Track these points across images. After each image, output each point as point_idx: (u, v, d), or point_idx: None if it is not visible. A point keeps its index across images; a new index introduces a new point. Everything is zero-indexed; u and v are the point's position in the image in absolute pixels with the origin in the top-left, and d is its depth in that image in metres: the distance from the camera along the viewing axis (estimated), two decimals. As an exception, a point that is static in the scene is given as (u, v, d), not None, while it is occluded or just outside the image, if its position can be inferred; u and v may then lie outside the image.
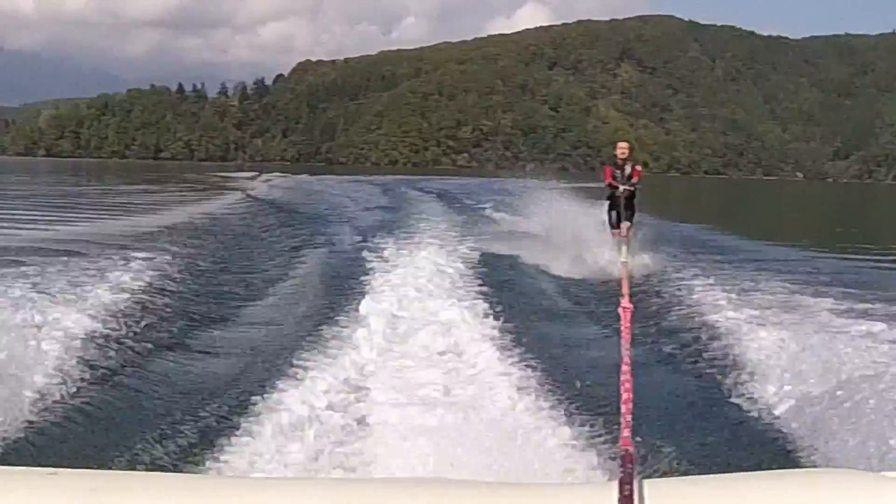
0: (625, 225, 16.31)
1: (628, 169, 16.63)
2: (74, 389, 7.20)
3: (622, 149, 17.02)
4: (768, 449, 6.44)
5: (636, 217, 16.91)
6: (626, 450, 2.09)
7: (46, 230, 22.18)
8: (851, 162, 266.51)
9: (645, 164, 16.67)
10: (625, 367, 3.38)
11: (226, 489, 2.10)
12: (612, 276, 14.53)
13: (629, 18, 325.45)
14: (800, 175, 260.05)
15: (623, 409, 2.82)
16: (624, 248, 14.23)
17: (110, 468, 5.46)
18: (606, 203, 16.91)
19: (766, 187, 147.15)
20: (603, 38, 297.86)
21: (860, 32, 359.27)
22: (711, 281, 13.25)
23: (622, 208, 16.45)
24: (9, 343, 7.59)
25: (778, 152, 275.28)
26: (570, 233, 17.82)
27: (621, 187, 16.50)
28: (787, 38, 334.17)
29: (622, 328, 4.40)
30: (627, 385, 3.10)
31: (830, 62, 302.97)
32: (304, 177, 68.94)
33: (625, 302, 5.02)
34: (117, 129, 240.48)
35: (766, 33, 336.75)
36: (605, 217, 16.91)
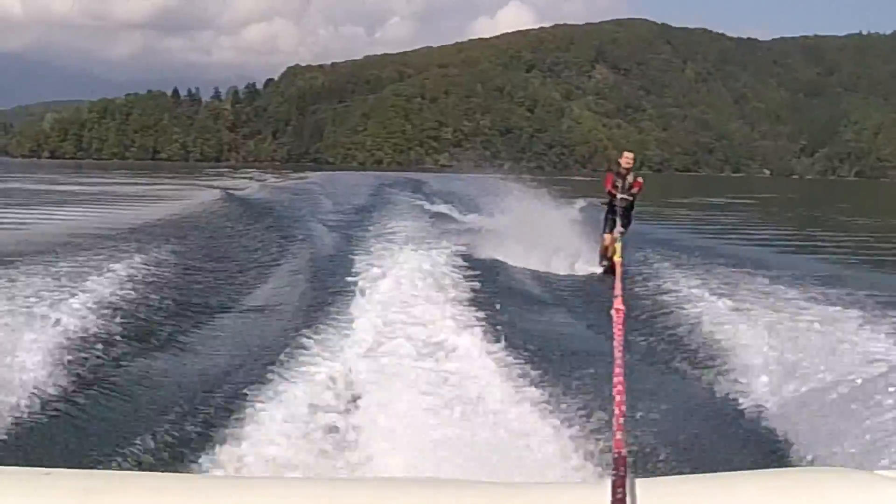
0: (618, 230, 16.25)
1: (630, 179, 16.68)
2: (69, 389, 7.17)
3: (627, 159, 16.95)
4: (763, 448, 6.50)
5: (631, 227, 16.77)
6: (619, 452, 2.04)
7: (36, 226, 22.94)
8: (816, 159, 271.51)
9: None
10: (617, 370, 3.23)
11: (221, 489, 2.08)
12: (581, 275, 15.12)
13: (604, 22, 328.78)
14: (767, 172, 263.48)
15: (616, 411, 2.70)
16: (619, 246, 14.47)
17: (105, 468, 5.47)
18: (605, 209, 16.95)
19: (734, 183, 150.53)
20: (578, 42, 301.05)
21: (828, 34, 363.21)
22: (696, 279, 13.34)
23: (618, 216, 16.49)
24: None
25: (746, 150, 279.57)
26: (541, 229, 18.46)
27: (619, 196, 16.54)
28: (756, 39, 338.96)
29: (615, 330, 4.18)
30: (620, 387, 2.96)
31: (798, 63, 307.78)
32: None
33: (617, 303, 4.84)
34: (117, 131, 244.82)
35: (736, 35, 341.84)
36: (601, 222, 16.95)
